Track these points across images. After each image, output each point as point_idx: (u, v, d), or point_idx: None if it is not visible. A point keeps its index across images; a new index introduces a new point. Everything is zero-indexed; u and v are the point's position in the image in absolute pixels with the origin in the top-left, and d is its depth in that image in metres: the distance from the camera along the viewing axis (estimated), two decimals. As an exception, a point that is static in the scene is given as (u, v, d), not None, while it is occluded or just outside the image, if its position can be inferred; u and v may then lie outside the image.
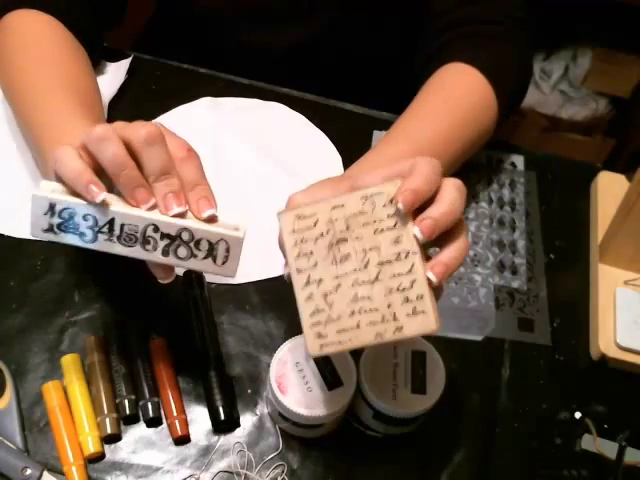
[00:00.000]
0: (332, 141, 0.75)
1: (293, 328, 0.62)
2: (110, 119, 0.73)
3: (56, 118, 0.58)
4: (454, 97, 0.66)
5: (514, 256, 0.70)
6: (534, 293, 0.67)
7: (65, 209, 0.46)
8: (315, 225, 0.47)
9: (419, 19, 0.83)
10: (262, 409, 0.58)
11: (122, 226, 0.47)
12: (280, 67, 0.82)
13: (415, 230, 0.44)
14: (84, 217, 0.46)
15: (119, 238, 0.47)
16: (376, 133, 0.76)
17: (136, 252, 0.47)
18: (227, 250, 0.48)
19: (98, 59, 0.76)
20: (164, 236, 0.47)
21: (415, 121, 0.64)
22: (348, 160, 0.73)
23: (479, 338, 0.64)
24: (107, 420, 0.54)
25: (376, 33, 0.83)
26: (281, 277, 0.64)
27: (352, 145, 0.75)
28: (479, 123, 0.67)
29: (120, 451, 0.55)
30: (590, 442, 0.59)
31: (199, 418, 0.57)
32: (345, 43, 0.83)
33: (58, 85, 0.61)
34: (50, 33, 0.66)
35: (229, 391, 0.57)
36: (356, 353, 0.55)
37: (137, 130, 0.47)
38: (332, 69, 0.84)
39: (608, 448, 0.58)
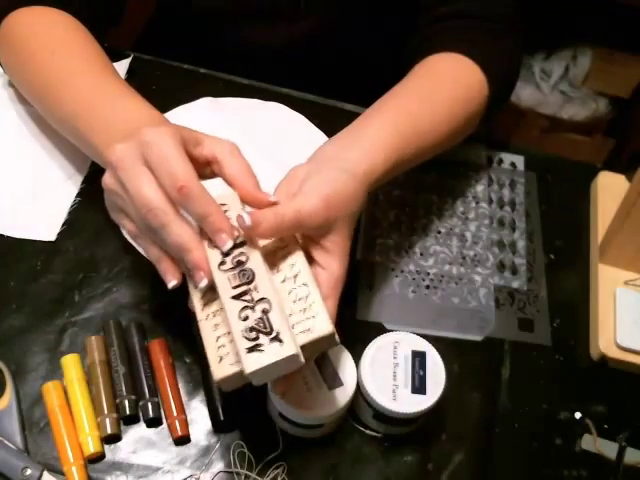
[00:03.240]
0: (332, 141, 0.75)
1: (293, 328, 0.62)
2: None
3: (97, 100, 0.57)
4: (439, 78, 0.65)
5: (514, 256, 0.70)
6: (534, 293, 0.67)
7: None
8: None
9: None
10: (262, 409, 0.58)
11: None
12: (280, 66, 0.82)
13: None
14: None
15: None
16: (376, 133, 0.76)
17: None
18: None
19: None
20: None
21: (396, 100, 0.62)
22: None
23: (479, 338, 0.64)
24: (107, 420, 0.54)
25: (376, 32, 0.83)
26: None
27: (352, 145, 0.75)
28: (467, 105, 0.65)
29: (120, 451, 0.55)
30: (590, 442, 0.59)
31: (199, 418, 0.57)
32: (345, 42, 0.83)
33: (87, 66, 0.61)
34: (62, 21, 0.66)
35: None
36: (356, 353, 0.55)
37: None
38: (332, 69, 0.84)
39: (608, 448, 0.58)
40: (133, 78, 0.77)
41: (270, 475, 0.54)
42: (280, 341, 0.44)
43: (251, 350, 0.44)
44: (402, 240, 0.69)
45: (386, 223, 0.70)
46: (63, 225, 0.66)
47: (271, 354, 0.44)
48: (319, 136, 0.76)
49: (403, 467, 0.56)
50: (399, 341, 0.56)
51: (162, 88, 0.78)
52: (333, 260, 0.51)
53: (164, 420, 0.56)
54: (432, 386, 0.54)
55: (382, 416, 0.54)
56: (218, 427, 0.56)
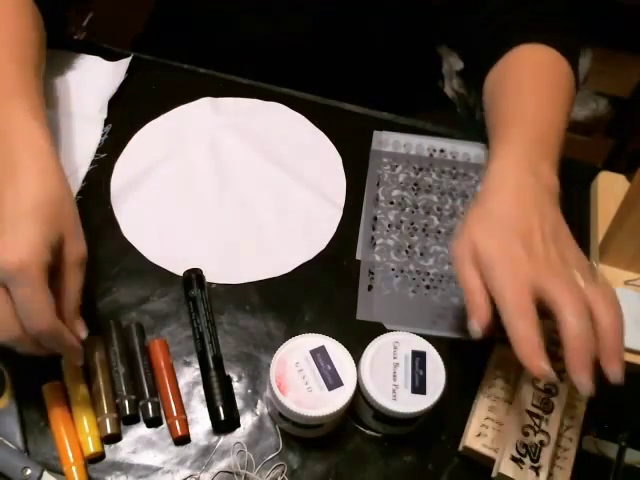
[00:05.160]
0: (332, 141, 0.75)
1: (293, 328, 0.62)
2: (110, 119, 0.73)
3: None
4: (550, 76, 0.71)
5: (514, 256, 0.69)
6: (534, 293, 0.67)
7: None
8: None
9: (422, 18, 0.83)
10: (262, 409, 0.58)
11: None
12: (280, 66, 0.82)
13: None
14: None
15: None
16: (376, 133, 0.76)
17: None
18: None
19: (58, 39, 0.74)
20: None
21: (529, 105, 0.65)
22: (348, 160, 0.73)
23: (479, 338, 0.63)
24: (107, 420, 0.54)
25: (377, 30, 0.83)
26: (281, 277, 0.65)
27: (352, 145, 0.75)
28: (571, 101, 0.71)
29: (120, 451, 0.55)
30: (590, 442, 0.59)
31: (199, 418, 0.57)
32: (345, 39, 0.83)
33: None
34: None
35: (229, 391, 0.57)
36: (356, 353, 0.55)
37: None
38: (332, 68, 0.84)
39: (608, 448, 0.58)
40: (133, 78, 0.77)
41: (270, 475, 0.54)
42: (537, 475, 0.51)
43: (513, 459, 0.51)
44: (402, 240, 0.69)
45: (386, 223, 0.70)
46: (63, 225, 0.66)
47: (525, 477, 0.51)
48: (319, 136, 0.76)
49: (403, 467, 0.56)
50: (399, 341, 0.56)
51: (162, 88, 0.78)
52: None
53: (164, 420, 0.56)
54: (432, 386, 0.54)
55: (382, 416, 0.54)
56: (218, 427, 0.56)
